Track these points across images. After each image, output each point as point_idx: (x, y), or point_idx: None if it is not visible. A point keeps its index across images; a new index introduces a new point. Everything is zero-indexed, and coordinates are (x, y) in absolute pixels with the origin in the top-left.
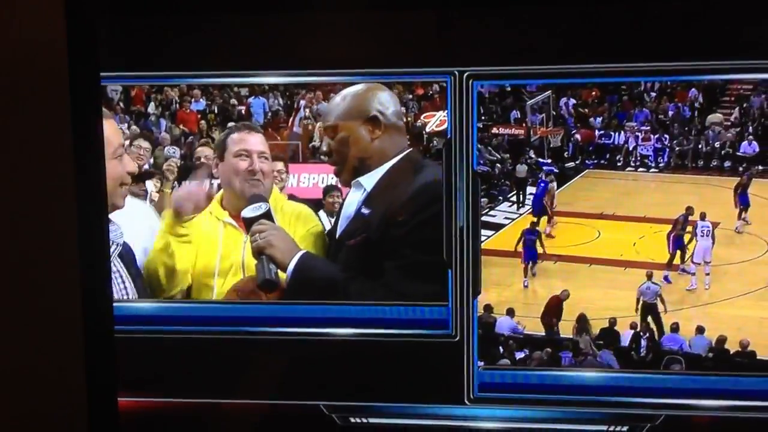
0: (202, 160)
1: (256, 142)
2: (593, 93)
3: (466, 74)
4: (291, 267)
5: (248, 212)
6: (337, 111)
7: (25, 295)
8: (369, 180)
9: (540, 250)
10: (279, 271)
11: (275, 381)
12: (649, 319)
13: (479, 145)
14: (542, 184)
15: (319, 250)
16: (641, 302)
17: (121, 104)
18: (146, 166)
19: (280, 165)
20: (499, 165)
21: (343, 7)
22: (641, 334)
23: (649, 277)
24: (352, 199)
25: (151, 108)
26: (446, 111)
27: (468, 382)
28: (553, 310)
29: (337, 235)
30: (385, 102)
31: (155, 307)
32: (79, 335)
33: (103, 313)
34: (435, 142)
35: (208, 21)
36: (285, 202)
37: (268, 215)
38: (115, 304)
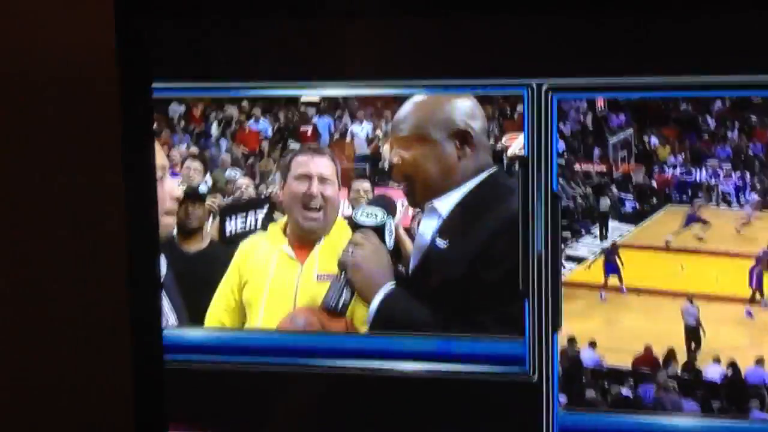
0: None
1: (319, 165)
2: (675, 130)
3: (545, 86)
4: (374, 305)
5: (359, 215)
6: (415, 120)
7: (73, 321)
8: (444, 204)
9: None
10: (352, 300)
11: (333, 418)
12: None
13: (561, 180)
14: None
15: None
16: (684, 324)
17: (182, 122)
18: (203, 188)
19: (366, 184)
20: (581, 199)
21: (407, 12)
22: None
23: (690, 299)
24: (426, 227)
25: (213, 128)
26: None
27: (547, 427)
28: (648, 361)
29: (410, 268)
30: (473, 114)
31: (208, 336)
32: (128, 363)
33: (153, 340)
34: (517, 166)
35: (267, 27)
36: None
37: (379, 229)
38: (165, 332)
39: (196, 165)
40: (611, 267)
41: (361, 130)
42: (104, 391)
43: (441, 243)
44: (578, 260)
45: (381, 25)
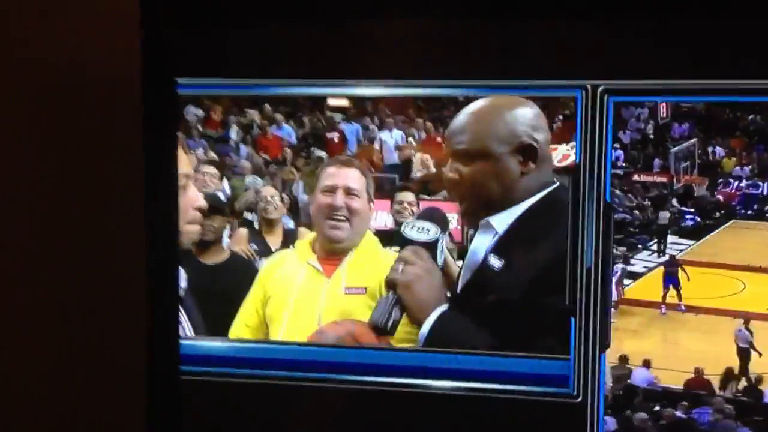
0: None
1: (346, 176)
2: (742, 141)
3: (600, 88)
4: (427, 327)
5: (410, 230)
6: (475, 132)
7: (88, 328)
8: (501, 221)
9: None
10: (402, 320)
11: None
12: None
13: (618, 191)
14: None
15: None
16: (737, 346)
17: (199, 127)
18: (221, 196)
19: (411, 196)
20: (638, 212)
21: (452, 12)
22: None
23: (746, 322)
24: (479, 244)
25: (233, 133)
26: (571, 142)
27: None
28: (698, 384)
29: (461, 283)
30: (536, 124)
31: (227, 347)
32: (143, 373)
33: (169, 351)
34: (555, 180)
35: (295, 29)
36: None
37: (432, 245)
38: (182, 342)
39: (212, 171)
40: (672, 280)
41: (391, 138)
42: (117, 402)
43: (495, 261)
44: (634, 276)
45: (426, 24)
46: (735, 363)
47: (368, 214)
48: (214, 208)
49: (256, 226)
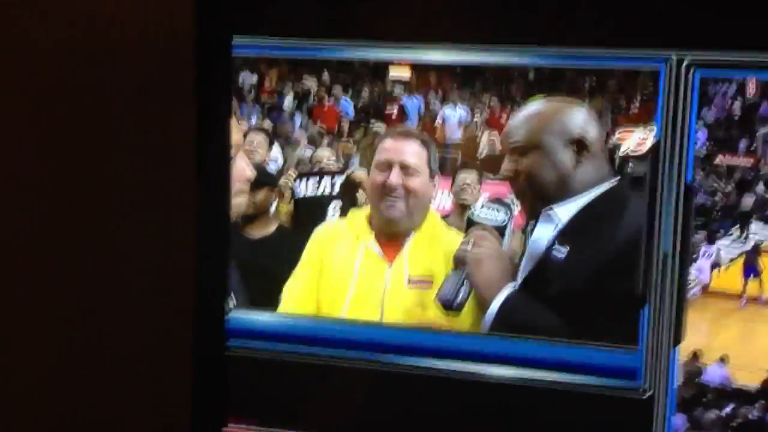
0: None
1: (403, 151)
2: None
3: (686, 61)
4: (494, 306)
5: (480, 211)
6: (529, 128)
7: (137, 295)
8: (565, 211)
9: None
10: (470, 298)
11: (414, 423)
12: None
13: (699, 174)
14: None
15: None
16: None
17: (252, 92)
18: (271, 167)
19: (472, 176)
20: (722, 196)
21: None
22: None
23: None
24: (541, 234)
25: (288, 101)
26: (649, 125)
27: None
28: None
29: (521, 275)
30: (587, 123)
31: (278, 322)
32: (189, 347)
33: (216, 324)
34: (631, 168)
35: None
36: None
37: (501, 228)
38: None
39: (260, 138)
40: (752, 270)
41: (455, 114)
42: (163, 375)
43: (559, 250)
44: (714, 265)
45: None
46: None
47: (429, 192)
48: (262, 179)
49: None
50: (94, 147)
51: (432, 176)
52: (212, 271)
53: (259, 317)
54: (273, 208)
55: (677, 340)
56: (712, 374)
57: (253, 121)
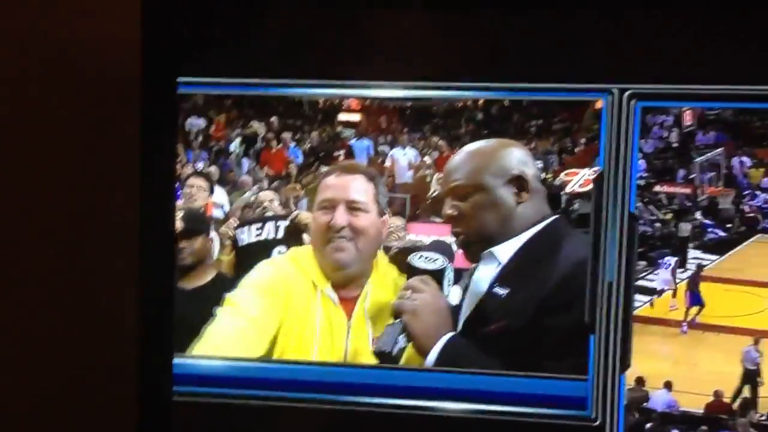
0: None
1: (348, 187)
2: None
3: (627, 93)
4: (432, 356)
5: (417, 259)
6: (470, 167)
7: (78, 342)
8: (504, 251)
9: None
10: (407, 348)
11: None
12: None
13: (639, 203)
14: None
15: None
16: (742, 368)
17: (199, 138)
18: (218, 212)
19: (399, 221)
20: (660, 225)
21: (471, 6)
22: None
23: (756, 342)
24: (483, 275)
25: (235, 147)
26: (594, 167)
27: None
28: (719, 408)
29: (462, 315)
30: (526, 160)
31: (225, 366)
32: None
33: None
34: (576, 205)
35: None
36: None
37: (439, 274)
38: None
39: (201, 183)
40: (695, 298)
41: (404, 155)
42: (108, 422)
43: (500, 290)
44: (654, 292)
45: (446, 24)
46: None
47: (380, 232)
48: (200, 226)
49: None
50: (36, 194)
51: (381, 213)
52: (157, 320)
53: (204, 363)
54: (212, 256)
55: (624, 366)
56: (658, 400)
57: (200, 166)
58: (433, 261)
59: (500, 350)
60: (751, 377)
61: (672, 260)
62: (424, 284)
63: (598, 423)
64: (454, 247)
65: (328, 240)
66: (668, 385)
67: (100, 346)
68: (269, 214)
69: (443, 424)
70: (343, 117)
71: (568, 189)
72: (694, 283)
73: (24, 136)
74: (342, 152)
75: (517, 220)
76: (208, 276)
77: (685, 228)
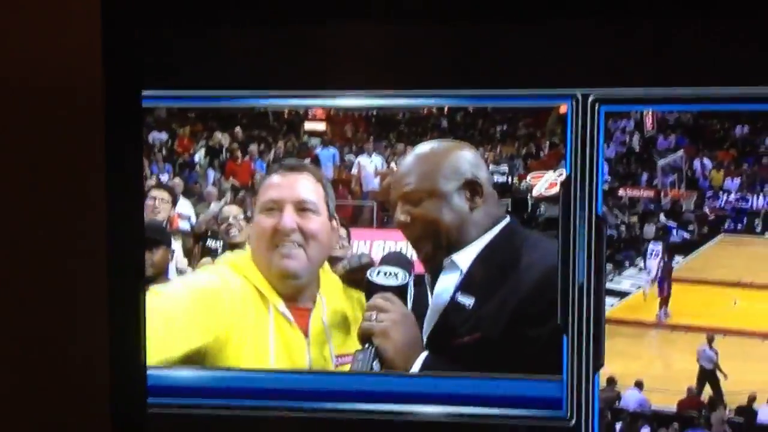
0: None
1: (295, 186)
2: (730, 153)
3: (591, 97)
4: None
5: (376, 276)
6: (422, 171)
7: (48, 354)
8: (464, 258)
9: None
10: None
11: None
12: (707, 386)
13: (604, 207)
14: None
15: None
16: (699, 367)
17: (163, 151)
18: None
19: (342, 231)
20: (624, 228)
21: (440, 18)
22: None
23: (710, 341)
24: (445, 284)
25: (200, 159)
26: (558, 170)
27: None
28: (693, 405)
29: (427, 326)
30: (478, 163)
31: (198, 377)
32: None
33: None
34: (542, 208)
35: (266, 33)
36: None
37: (402, 289)
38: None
39: (163, 195)
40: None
41: (371, 162)
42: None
43: (465, 299)
44: (621, 294)
45: (409, 32)
46: (727, 381)
47: (329, 237)
48: (160, 238)
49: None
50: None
51: (330, 218)
52: (127, 328)
53: (178, 374)
54: (171, 269)
55: (597, 366)
56: (630, 399)
57: (164, 179)
58: (395, 276)
59: (474, 360)
60: (708, 376)
61: (658, 247)
62: (390, 303)
63: (573, 423)
64: (411, 256)
65: (275, 245)
66: (639, 385)
67: (70, 361)
68: (234, 231)
69: (421, 428)
70: (308, 126)
71: (534, 192)
72: (666, 271)
73: None
74: (308, 161)
75: (473, 225)
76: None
77: (649, 229)
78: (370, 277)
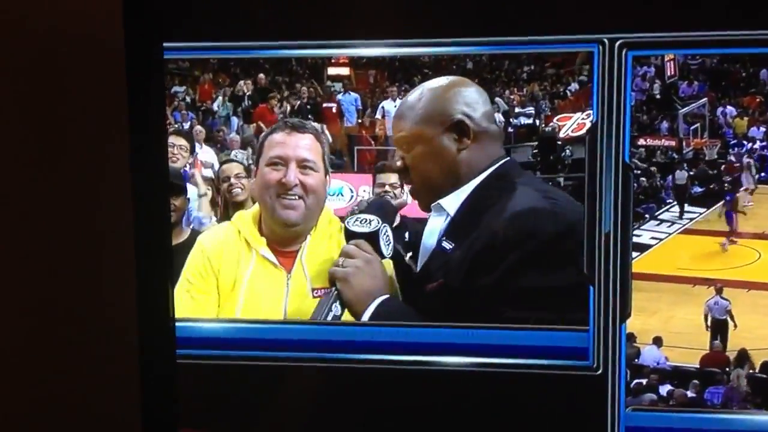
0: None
1: (297, 146)
2: (757, 100)
3: (618, 42)
4: (365, 319)
5: (352, 223)
6: (412, 116)
7: (76, 312)
8: (452, 202)
9: None
10: (343, 314)
11: (370, 419)
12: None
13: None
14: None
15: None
16: (710, 318)
17: (187, 99)
18: (207, 172)
19: (393, 178)
20: (645, 179)
21: None
22: None
23: (719, 291)
24: (433, 227)
25: (218, 103)
26: (586, 110)
27: (613, 428)
28: (718, 361)
29: (416, 272)
30: (473, 101)
31: (225, 328)
32: (136, 358)
33: (164, 333)
34: (569, 151)
35: None
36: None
37: (373, 236)
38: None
39: (181, 142)
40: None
41: (394, 107)
42: (112, 390)
43: (447, 245)
44: (641, 248)
45: None
46: (750, 337)
47: (325, 190)
48: (177, 185)
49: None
50: (23, 164)
51: (326, 173)
52: (155, 281)
53: (205, 325)
54: (186, 216)
55: (625, 316)
56: (648, 355)
57: (187, 127)
58: (368, 223)
59: (435, 309)
60: (721, 327)
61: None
62: (358, 249)
63: (600, 372)
64: (398, 202)
65: (277, 196)
66: (657, 341)
67: (100, 312)
68: (236, 190)
69: (445, 379)
70: (331, 71)
71: (561, 134)
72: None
73: (10, 106)
74: (333, 105)
75: (463, 167)
76: (184, 235)
77: (681, 175)
78: (346, 224)
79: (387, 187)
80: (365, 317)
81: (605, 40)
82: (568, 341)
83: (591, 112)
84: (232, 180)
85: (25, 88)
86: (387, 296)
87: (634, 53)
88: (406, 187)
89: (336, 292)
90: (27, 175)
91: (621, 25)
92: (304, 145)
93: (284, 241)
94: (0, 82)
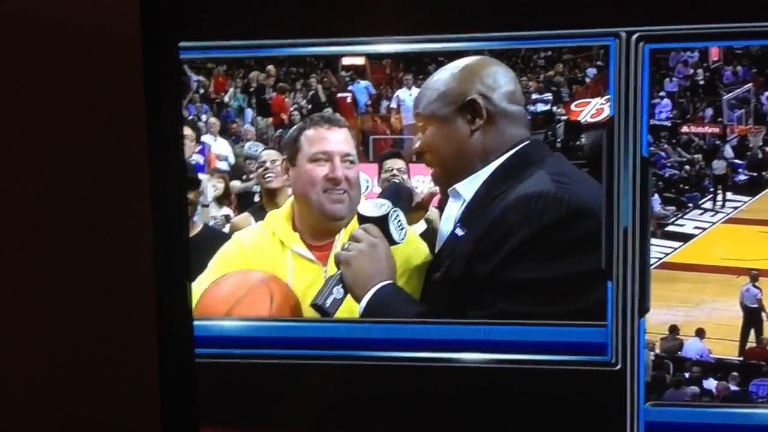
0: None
1: (338, 140)
2: None
3: (635, 35)
4: (363, 303)
5: (365, 207)
6: (429, 96)
7: (96, 310)
8: (467, 187)
9: None
10: (345, 299)
11: (388, 416)
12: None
13: (666, 145)
14: None
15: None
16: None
17: (201, 91)
18: (223, 165)
19: (400, 163)
20: (688, 167)
21: None
22: None
23: (754, 279)
24: (449, 213)
25: (230, 95)
26: (605, 95)
27: (632, 424)
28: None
29: (430, 260)
30: (493, 80)
31: (244, 327)
32: (155, 358)
33: (182, 333)
34: (585, 138)
35: None
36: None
37: (383, 221)
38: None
39: (186, 131)
40: None
41: (410, 96)
42: (130, 391)
43: (460, 231)
44: (684, 238)
45: None
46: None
47: (358, 183)
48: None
49: (257, 198)
50: (40, 159)
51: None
52: (173, 277)
53: (223, 324)
54: (198, 210)
55: (643, 311)
56: (691, 348)
57: (202, 119)
58: (379, 207)
59: (436, 299)
60: (755, 316)
61: None
62: (364, 233)
63: (618, 367)
64: (418, 187)
65: (324, 191)
66: (700, 333)
67: (119, 311)
68: (270, 176)
69: (462, 376)
70: (346, 62)
71: (580, 119)
72: None
73: (28, 101)
74: (348, 96)
75: (478, 150)
76: (196, 228)
77: (719, 164)
78: (358, 209)
79: (395, 171)
80: (363, 302)
81: (622, 34)
82: (586, 336)
83: (608, 97)
84: (268, 164)
85: (42, 84)
86: (388, 282)
87: (651, 46)
88: (413, 173)
89: (339, 275)
90: (44, 171)
91: (638, 17)
92: (343, 139)
93: (322, 234)
94: (19, 77)
